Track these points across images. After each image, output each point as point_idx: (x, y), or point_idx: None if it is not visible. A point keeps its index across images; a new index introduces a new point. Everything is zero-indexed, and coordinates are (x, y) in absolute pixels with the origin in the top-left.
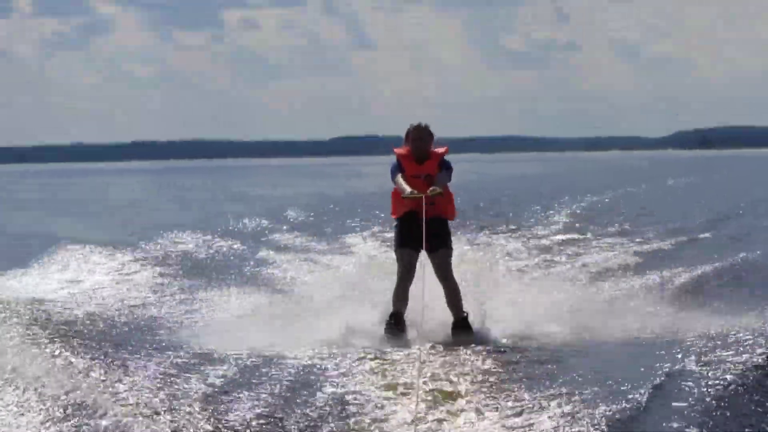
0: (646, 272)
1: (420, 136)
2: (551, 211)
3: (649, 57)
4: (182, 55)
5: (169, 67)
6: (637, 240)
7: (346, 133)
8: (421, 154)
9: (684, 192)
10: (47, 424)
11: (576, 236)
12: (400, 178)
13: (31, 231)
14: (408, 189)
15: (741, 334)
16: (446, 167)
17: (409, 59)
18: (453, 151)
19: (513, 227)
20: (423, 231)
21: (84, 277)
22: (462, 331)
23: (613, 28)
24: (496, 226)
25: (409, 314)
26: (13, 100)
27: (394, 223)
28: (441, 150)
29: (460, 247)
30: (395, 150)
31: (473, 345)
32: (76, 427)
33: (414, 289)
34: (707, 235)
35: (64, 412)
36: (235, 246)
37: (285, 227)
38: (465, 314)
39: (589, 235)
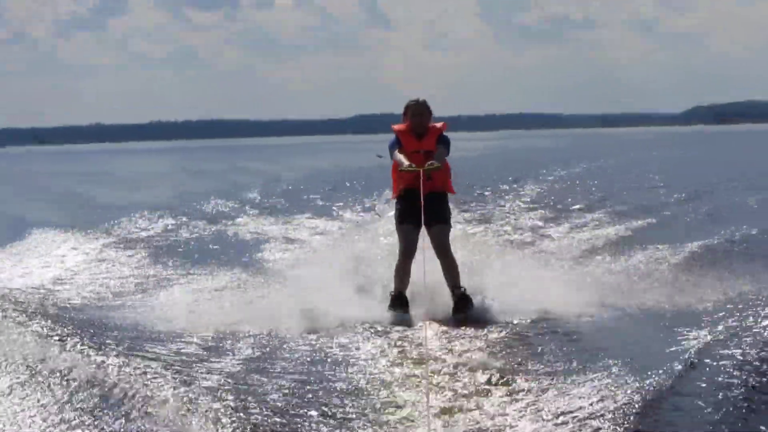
0: (643, 246)
1: (419, 111)
2: (544, 184)
3: (664, 32)
4: (195, 35)
5: (183, 47)
6: (632, 214)
7: (363, 111)
8: (420, 130)
9: (689, 166)
10: (69, 411)
11: (569, 209)
12: (398, 153)
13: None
14: (406, 162)
15: (762, 305)
16: (444, 142)
17: (422, 37)
18: (467, 128)
19: (505, 201)
20: (421, 206)
21: (65, 262)
22: (463, 305)
23: (628, 3)
24: (492, 201)
25: (412, 292)
26: (30, 82)
27: (395, 202)
28: (439, 125)
29: (460, 223)
30: (393, 127)
31: (481, 323)
32: (99, 416)
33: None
34: (710, 206)
35: (88, 403)
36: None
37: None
38: (463, 288)
39: (581, 207)
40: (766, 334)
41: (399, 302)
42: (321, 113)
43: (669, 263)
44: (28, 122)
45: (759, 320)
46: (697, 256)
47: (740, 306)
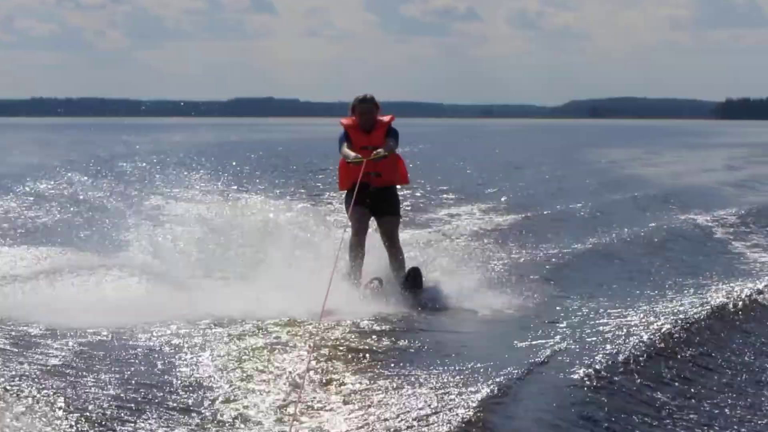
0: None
1: (367, 110)
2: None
3: (549, 29)
4: (80, 15)
5: (67, 26)
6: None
7: (243, 95)
8: (368, 127)
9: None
10: None
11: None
12: (345, 147)
13: None
14: (352, 154)
15: (613, 311)
16: (393, 135)
17: (307, 24)
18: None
19: None
20: (367, 195)
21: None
22: (414, 279)
23: None
24: None
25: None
26: None
27: (344, 195)
28: (386, 118)
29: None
30: (342, 121)
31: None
32: None
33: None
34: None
35: None
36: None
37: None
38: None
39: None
40: (617, 342)
41: (380, 284)
42: (201, 96)
43: (528, 265)
44: None
45: (615, 328)
46: (553, 260)
47: (590, 315)
